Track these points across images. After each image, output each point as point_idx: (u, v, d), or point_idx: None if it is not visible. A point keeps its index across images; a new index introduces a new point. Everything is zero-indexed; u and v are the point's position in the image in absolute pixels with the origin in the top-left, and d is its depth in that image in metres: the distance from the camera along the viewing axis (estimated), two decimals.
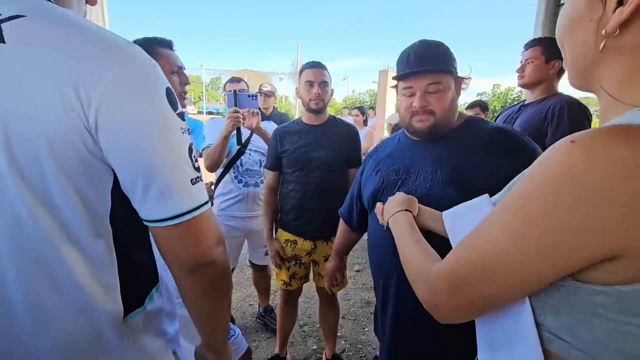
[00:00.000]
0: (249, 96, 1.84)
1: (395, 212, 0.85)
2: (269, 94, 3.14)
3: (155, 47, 1.19)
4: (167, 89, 0.53)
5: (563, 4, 0.50)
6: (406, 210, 0.85)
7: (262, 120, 2.37)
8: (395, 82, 1.11)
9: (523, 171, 0.54)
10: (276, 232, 1.87)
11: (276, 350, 1.99)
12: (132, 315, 0.59)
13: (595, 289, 0.39)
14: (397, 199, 0.91)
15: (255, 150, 2.10)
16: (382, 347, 1.15)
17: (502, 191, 0.63)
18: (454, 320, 0.53)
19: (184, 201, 0.53)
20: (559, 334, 0.44)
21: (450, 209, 0.72)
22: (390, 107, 9.19)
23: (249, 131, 2.10)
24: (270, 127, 2.28)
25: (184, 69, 1.29)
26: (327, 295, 1.90)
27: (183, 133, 0.54)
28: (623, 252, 0.37)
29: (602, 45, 0.43)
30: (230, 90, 1.84)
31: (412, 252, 0.66)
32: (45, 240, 0.49)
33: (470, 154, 0.99)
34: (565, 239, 0.39)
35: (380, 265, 1.14)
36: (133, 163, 0.50)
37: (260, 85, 3.17)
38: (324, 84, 1.64)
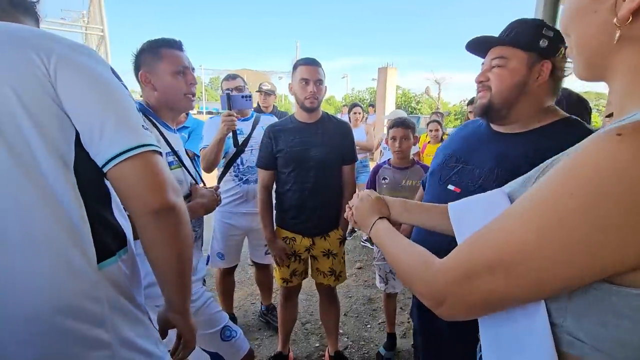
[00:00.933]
0: (243, 97, 1.82)
1: (372, 225, 0.79)
2: (269, 93, 3.14)
3: (159, 48, 1.19)
4: (110, 67, 0.66)
5: None
6: (380, 218, 0.79)
7: (263, 115, 2.37)
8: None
9: (545, 162, 0.52)
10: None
11: (279, 348, 2.00)
12: (107, 263, 0.64)
13: (633, 292, 0.36)
14: (365, 206, 0.83)
15: (257, 149, 2.10)
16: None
17: (517, 181, 0.59)
18: (460, 317, 0.50)
19: (137, 137, 0.62)
20: (580, 336, 0.41)
21: (458, 201, 0.67)
22: (390, 104, 9.19)
23: (247, 132, 2.11)
24: (268, 120, 2.28)
25: (192, 69, 1.27)
26: (327, 291, 1.90)
27: (129, 96, 0.67)
28: None
29: (617, 35, 0.40)
30: (224, 93, 1.81)
31: (404, 255, 0.62)
32: (22, 184, 0.57)
33: (542, 159, 0.85)
34: (608, 239, 0.35)
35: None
36: (88, 108, 0.61)
37: (260, 84, 3.17)
38: (319, 82, 1.62)
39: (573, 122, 0.93)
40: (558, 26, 0.53)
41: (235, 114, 1.77)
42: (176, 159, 1.23)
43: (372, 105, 9.44)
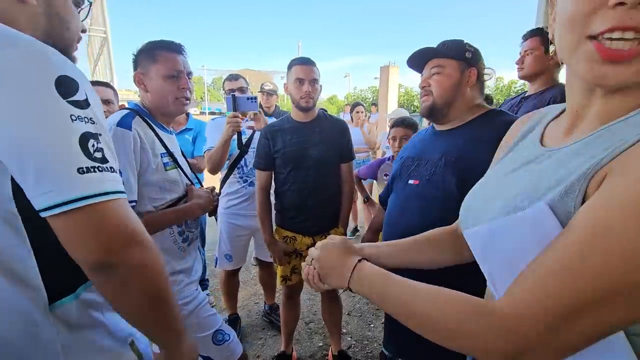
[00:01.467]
0: (248, 99, 1.82)
1: (351, 272, 0.61)
2: (271, 93, 3.13)
3: (155, 50, 1.19)
4: (60, 77, 0.51)
5: None
6: (359, 260, 0.63)
7: (265, 117, 2.38)
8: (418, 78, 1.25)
9: (586, 166, 0.42)
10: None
11: (282, 348, 2.00)
12: (61, 303, 0.57)
13: None
14: (333, 253, 0.67)
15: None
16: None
17: (552, 191, 0.44)
18: None
19: (64, 190, 0.48)
20: None
21: (482, 226, 0.51)
22: (393, 102, 9.16)
23: (250, 132, 2.11)
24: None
25: (188, 73, 1.25)
26: (328, 291, 1.89)
27: (74, 120, 0.51)
28: None
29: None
30: (229, 94, 1.82)
31: (428, 303, 0.48)
32: None
33: (479, 145, 1.03)
34: None
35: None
36: (9, 149, 0.48)
37: (262, 84, 3.17)
38: (314, 81, 1.61)
39: (497, 113, 1.15)
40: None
41: (240, 116, 1.78)
42: (171, 159, 1.23)
43: (375, 104, 9.41)
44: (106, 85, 2.13)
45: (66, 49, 0.64)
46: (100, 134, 0.54)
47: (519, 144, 0.62)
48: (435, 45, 1.18)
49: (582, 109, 0.49)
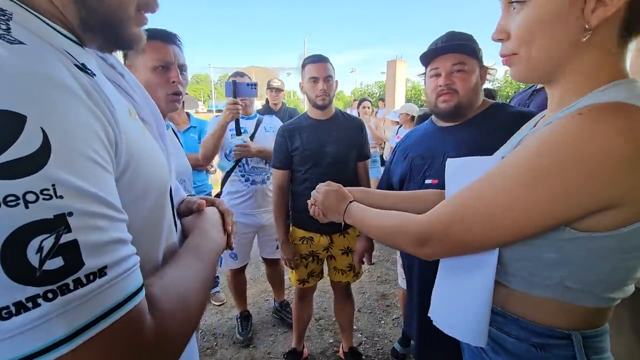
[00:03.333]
0: (248, 85, 1.78)
1: (344, 210, 0.88)
2: (279, 90, 3.12)
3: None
4: None
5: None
6: (350, 202, 0.89)
7: (267, 114, 2.37)
8: (421, 74, 1.21)
9: (524, 135, 0.66)
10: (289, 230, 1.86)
11: (293, 345, 2.00)
12: None
13: (603, 235, 0.48)
14: (331, 197, 0.93)
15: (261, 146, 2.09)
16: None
17: (506, 148, 0.72)
18: (440, 256, 0.66)
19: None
20: (571, 284, 0.52)
21: (457, 159, 0.75)
22: (400, 97, 9.07)
23: (250, 131, 2.10)
24: (274, 122, 2.28)
25: (181, 65, 1.11)
26: (342, 289, 1.89)
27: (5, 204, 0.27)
28: (620, 202, 0.46)
29: (586, 38, 0.50)
30: (229, 80, 1.77)
31: (385, 220, 0.74)
32: None
33: (491, 137, 1.02)
34: (565, 191, 0.47)
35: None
36: None
37: (269, 81, 3.16)
38: (328, 78, 1.61)
39: (500, 106, 1.16)
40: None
41: (239, 102, 1.74)
42: None
43: (382, 99, 9.34)
44: None
45: (115, 25, 0.44)
46: (77, 210, 0.30)
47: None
48: (439, 37, 1.15)
49: None
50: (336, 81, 1.68)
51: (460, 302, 0.65)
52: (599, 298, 0.53)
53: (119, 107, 0.41)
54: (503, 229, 0.53)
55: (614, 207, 0.46)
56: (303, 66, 1.65)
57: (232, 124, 2.03)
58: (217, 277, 2.75)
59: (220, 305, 2.59)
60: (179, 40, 1.12)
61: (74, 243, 0.30)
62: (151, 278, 0.41)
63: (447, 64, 1.09)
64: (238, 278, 2.28)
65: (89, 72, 0.39)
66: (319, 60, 1.61)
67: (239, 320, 2.29)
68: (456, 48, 1.09)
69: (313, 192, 1.00)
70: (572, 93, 0.54)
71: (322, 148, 1.64)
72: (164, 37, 1.08)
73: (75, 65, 0.37)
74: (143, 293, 0.36)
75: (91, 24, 0.42)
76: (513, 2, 0.56)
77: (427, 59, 1.15)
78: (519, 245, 0.55)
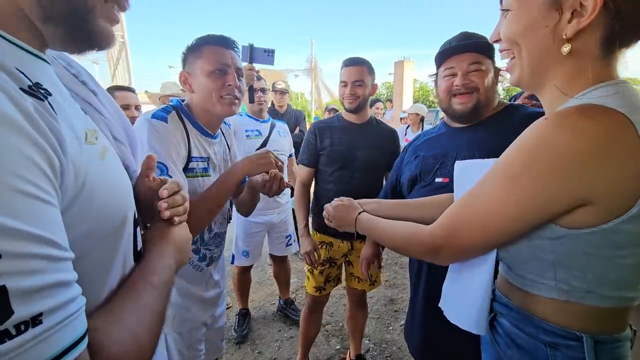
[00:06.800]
0: (265, 51, 1.65)
1: (355, 220, 0.94)
2: (283, 92, 3.11)
3: (202, 45, 1.06)
4: None
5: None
6: (360, 212, 0.96)
7: (276, 119, 2.37)
8: (432, 74, 1.18)
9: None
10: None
11: (298, 358, 1.95)
12: None
13: (586, 232, 0.51)
14: (342, 209, 1.00)
15: (275, 150, 2.09)
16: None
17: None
18: (455, 260, 0.70)
19: None
20: (573, 283, 0.54)
21: (465, 161, 0.79)
22: (408, 98, 9.00)
23: (265, 135, 2.12)
24: (286, 127, 2.32)
25: (238, 68, 1.09)
26: (357, 296, 1.85)
27: None
28: (593, 199, 0.48)
29: (567, 49, 0.53)
30: (247, 44, 1.63)
31: (397, 230, 0.79)
32: None
33: (505, 138, 0.97)
34: (542, 191, 0.51)
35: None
36: None
37: (274, 83, 3.14)
38: (358, 82, 1.55)
39: (515, 107, 1.12)
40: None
41: (255, 68, 1.65)
42: (207, 165, 1.10)
43: (390, 100, 9.28)
44: (128, 89, 2.13)
45: (79, 15, 0.41)
46: (7, 252, 0.27)
47: None
48: (452, 35, 1.12)
49: None
50: (374, 85, 1.62)
51: (464, 295, 0.71)
52: (606, 297, 0.53)
53: (71, 131, 0.38)
54: (496, 231, 0.58)
55: (588, 204, 0.49)
56: (342, 67, 1.63)
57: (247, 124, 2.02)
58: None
59: (226, 309, 2.58)
60: (237, 47, 1.11)
61: (2, 289, 0.26)
62: (98, 320, 0.37)
63: (464, 63, 1.05)
64: (244, 276, 2.36)
65: (41, 93, 0.36)
66: (351, 63, 1.57)
67: (237, 317, 2.34)
68: (473, 47, 1.05)
69: (326, 205, 1.06)
70: (558, 100, 0.57)
71: (352, 151, 1.60)
72: (222, 42, 1.07)
73: (22, 89, 0.33)
74: (85, 342, 0.32)
75: (54, 13, 0.40)
76: (503, 10, 0.61)
77: (442, 58, 1.11)
78: (521, 248, 0.59)
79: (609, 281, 0.52)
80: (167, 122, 1.00)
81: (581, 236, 0.51)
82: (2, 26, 0.36)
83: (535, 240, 0.56)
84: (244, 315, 2.35)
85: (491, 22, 0.70)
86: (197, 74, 1.05)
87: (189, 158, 1.04)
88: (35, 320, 0.27)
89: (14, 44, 0.36)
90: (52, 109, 0.35)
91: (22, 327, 0.27)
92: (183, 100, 1.12)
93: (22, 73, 0.35)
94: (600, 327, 0.55)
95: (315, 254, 1.66)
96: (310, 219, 1.76)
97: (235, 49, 1.10)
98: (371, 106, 4.53)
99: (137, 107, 2.03)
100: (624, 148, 0.46)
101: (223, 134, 1.24)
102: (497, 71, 1.10)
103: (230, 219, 1.51)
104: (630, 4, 0.48)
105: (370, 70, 1.59)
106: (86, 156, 0.39)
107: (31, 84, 0.35)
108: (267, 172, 1.15)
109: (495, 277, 0.70)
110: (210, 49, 1.05)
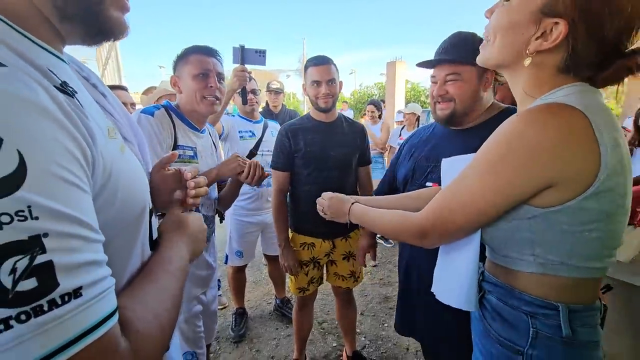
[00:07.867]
0: (256, 52, 1.65)
1: (349, 211, 1.01)
2: (278, 92, 3.12)
3: (188, 54, 1.27)
4: None
5: None
6: (352, 203, 1.01)
7: (269, 119, 2.38)
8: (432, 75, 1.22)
9: None
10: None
11: (294, 356, 1.97)
12: None
13: (555, 209, 0.59)
14: (335, 201, 1.06)
15: (268, 150, 2.11)
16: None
17: None
18: (440, 243, 0.77)
19: None
20: (549, 257, 0.62)
21: (451, 157, 0.86)
22: (400, 98, 9.06)
23: (258, 135, 2.14)
24: (276, 127, 2.32)
25: (219, 73, 1.30)
26: (344, 294, 1.87)
27: None
28: (557, 181, 0.57)
29: (528, 62, 0.63)
30: (238, 45, 1.66)
31: (388, 218, 0.85)
32: None
33: None
34: (514, 176, 0.59)
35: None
36: None
37: (269, 83, 3.15)
38: (330, 81, 1.54)
39: (512, 111, 1.12)
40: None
41: (247, 70, 1.67)
42: (193, 154, 1.30)
43: (383, 101, 9.33)
44: (121, 87, 2.15)
45: (93, 9, 0.43)
46: (53, 231, 0.30)
47: None
48: (444, 39, 1.13)
49: None
50: (340, 82, 1.62)
51: (454, 275, 0.77)
52: (577, 268, 0.62)
53: (97, 126, 0.41)
54: (477, 214, 0.65)
55: (554, 185, 0.57)
56: (305, 68, 1.59)
57: (240, 125, 2.02)
58: (219, 280, 2.74)
59: (222, 308, 2.58)
60: (219, 55, 1.33)
61: (49, 264, 0.30)
62: (123, 298, 0.40)
63: (442, 73, 1.11)
64: (239, 276, 2.37)
65: (70, 90, 0.39)
66: (320, 62, 1.53)
67: (234, 316, 2.35)
68: (449, 61, 1.09)
69: (319, 199, 1.12)
70: (527, 99, 0.66)
71: (325, 151, 1.59)
72: (206, 51, 1.28)
73: (55, 86, 0.36)
74: (117, 316, 0.36)
75: (69, 12, 0.42)
76: None
77: (428, 66, 1.17)
78: (502, 229, 0.66)
79: (578, 254, 0.60)
80: (153, 116, 1.21)
81: (552, 214, 0.59)
82: (29, 29, 0.38)
83: (513, 221, 0.64)
84: (241, 314, 2.37)
85: (485, 20, 0.71)
86: (185, 77, 1.27)
87: (175, 146, 1.25)
88: (77, 292, 0.31)
89: (40, 46, 0.39)
90: (81, 105, 0.39)
91: (66, 298, 0.30)
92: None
93: (53, 72, 0.38)
94: (574, 298, 0.64)
95: (296, 266, 1.67)
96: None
97: (218, 57, 1.31)
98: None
99: (133, 105, 2.04)
100: (582, 138, 0.55)
101: (210, 134, 1.47)
102: (490, 73, 1.10)
103: (223, 217, 1.53)
104: (585, 49, 0.58)
105: (337, 68, 1.60)
106: (111, 149, 0.43)
107: (61, 82, 0.38)
108: (239, 174, 1.35)
109: (483, 262, 0.79)
110: (195, 57, 1.26)
